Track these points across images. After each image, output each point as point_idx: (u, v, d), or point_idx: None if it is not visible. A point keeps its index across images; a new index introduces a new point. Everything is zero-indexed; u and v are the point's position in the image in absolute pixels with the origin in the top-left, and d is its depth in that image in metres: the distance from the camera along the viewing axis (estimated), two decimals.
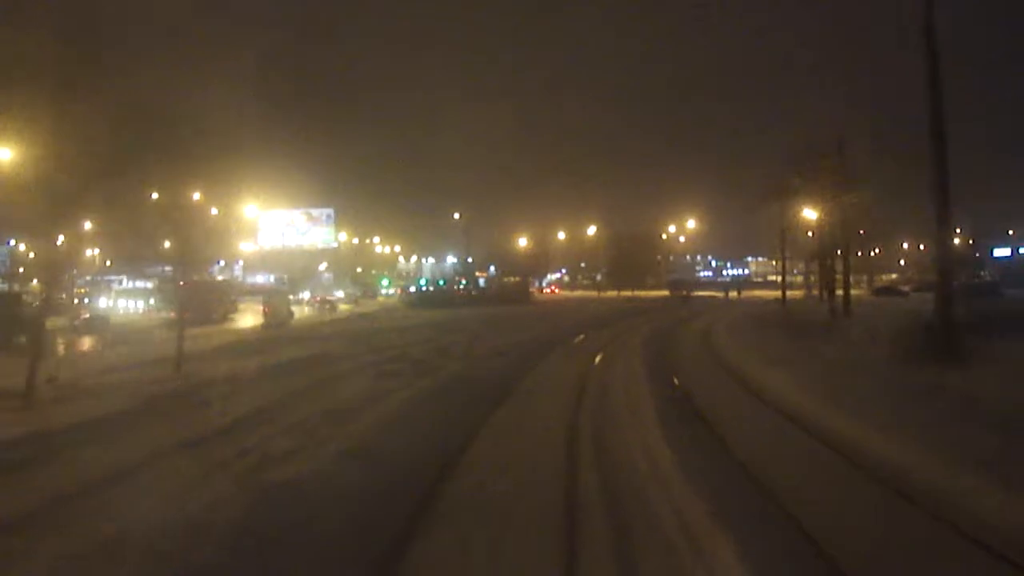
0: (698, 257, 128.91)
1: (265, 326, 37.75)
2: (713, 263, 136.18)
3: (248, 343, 25.72)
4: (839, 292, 30.99)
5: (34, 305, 22.69)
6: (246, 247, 74.41)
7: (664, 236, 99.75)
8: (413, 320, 39.84)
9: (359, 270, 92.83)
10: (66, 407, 12.32)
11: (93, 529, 6.42)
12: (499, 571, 5.74)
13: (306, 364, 18.66)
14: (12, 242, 55.74)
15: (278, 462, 8.78)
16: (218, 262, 72.61)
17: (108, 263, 74.24)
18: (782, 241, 41.17)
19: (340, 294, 69.31)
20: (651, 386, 15.27)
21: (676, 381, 16.06)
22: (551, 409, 12.80)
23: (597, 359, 20.27)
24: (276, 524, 6.63)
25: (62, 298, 41.07)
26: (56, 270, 15.85)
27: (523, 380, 16.36)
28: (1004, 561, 5.69)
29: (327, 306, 55.44)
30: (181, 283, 23.67)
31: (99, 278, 68.08)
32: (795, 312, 35.98)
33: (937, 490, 7.40)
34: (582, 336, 28.46)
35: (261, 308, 41.65)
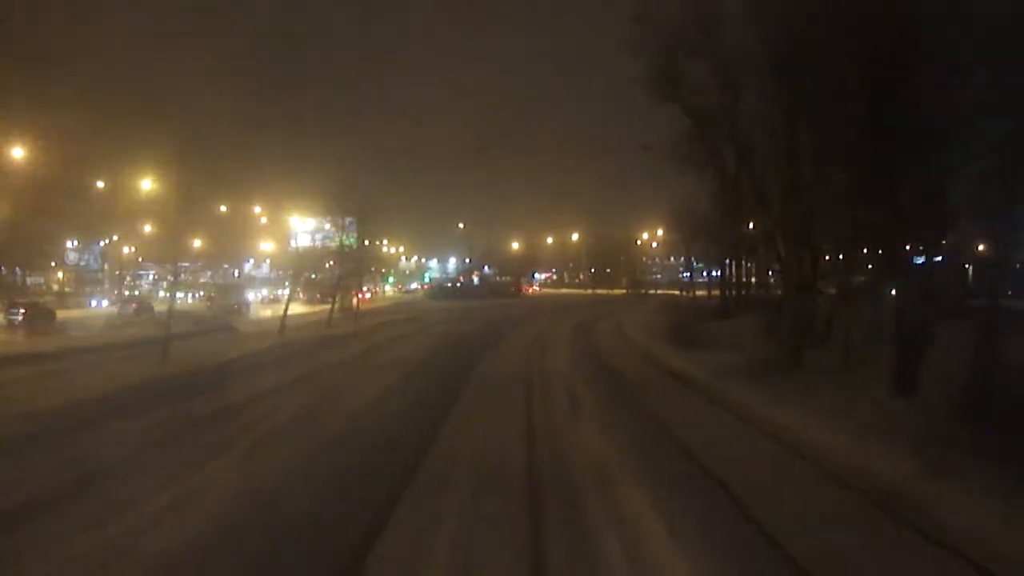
0: (681, 259, 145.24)
1: (341, 309, 55.61)
2: (696, 265, 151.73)
3: (356, 314, 43.57)
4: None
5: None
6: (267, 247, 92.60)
7: (638, 242, 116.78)
8: (439, 306, 58.06)
9: None
10: (345, 326, 30.26)
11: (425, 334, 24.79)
12: (514, 352, 23.82)
13: (407, 321, 36.88)
14: (103, 243, 72.41)
15: (453, 332, 28.53)
16: (248, 260, 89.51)
17: (140, 259, 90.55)
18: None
19: (388, 288, 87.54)
20: (574, 326, 33.66)
21: (594, 333, 34.15)
22: (534, 330, 31.84)
23: (558, 321, 38.41)
24: (461, 340, 25.80)
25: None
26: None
27: (521, 326, 34.82)
28: (651, 363, 23.65)
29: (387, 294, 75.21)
30: (314, 277, 41.58)
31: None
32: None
33: (644, 345, 25.43)
34: (555, 314, 46.67)
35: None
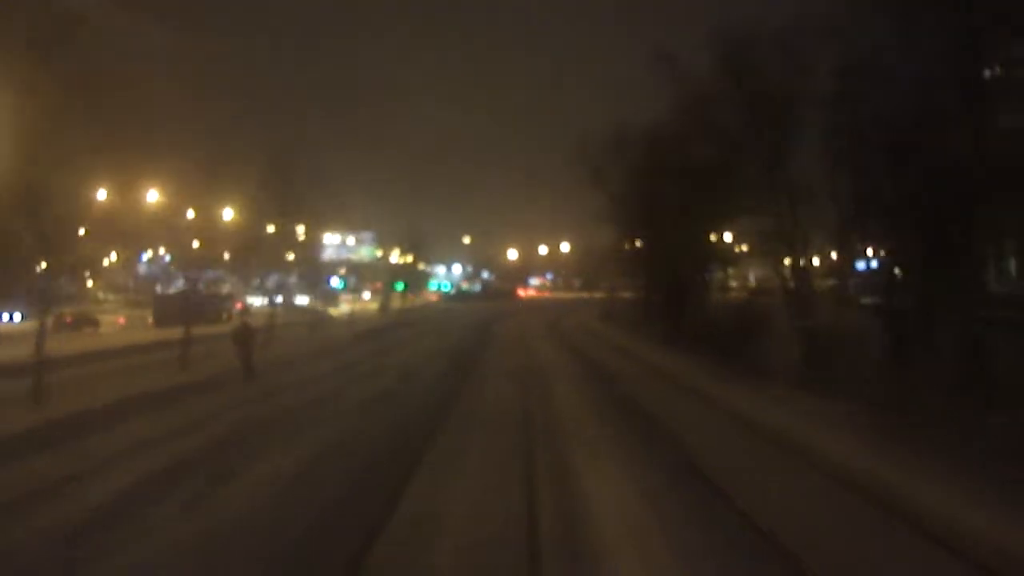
0: None
1: (380, 308, 73.16)
2: None
3: (397, 312, 61.16)
4: None
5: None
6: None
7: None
8: (454, 305, 76.14)
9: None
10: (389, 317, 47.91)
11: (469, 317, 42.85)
12: (511, 325, 41.66)
13: (443, 312, 54.74)
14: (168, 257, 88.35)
15: (475, 316, 47.25)
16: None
17: (173, 268, 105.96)
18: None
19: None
20: (552, 316, 51.53)
21: (558, 318, 51.79)
22: (523, 317, 49.96)
23: (541, 314, 56.17)
24: (482, 319, 43.97)
25: None
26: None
27: (515, 316, 52.87)
28: (584, 330, 41.20)
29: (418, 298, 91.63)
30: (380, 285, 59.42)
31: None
32: None
33: (586, 323, 43.04)
34: (540, 310, 64.43)
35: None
